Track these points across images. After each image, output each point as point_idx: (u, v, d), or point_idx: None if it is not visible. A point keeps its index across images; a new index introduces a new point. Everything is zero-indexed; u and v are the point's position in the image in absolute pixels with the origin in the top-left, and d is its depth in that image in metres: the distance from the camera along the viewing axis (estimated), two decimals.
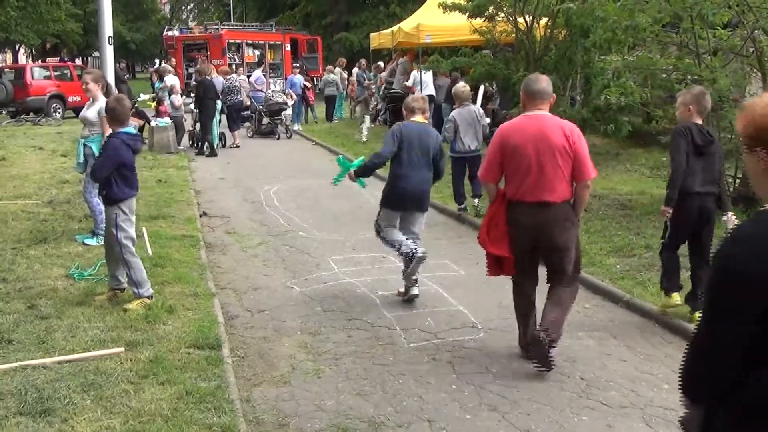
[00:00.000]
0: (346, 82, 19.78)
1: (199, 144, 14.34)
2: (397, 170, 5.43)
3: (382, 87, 17.35)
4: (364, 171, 5.62)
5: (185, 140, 14.79)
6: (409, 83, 15.28)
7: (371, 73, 18.25)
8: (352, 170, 5.64)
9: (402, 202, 5.47)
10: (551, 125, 4.22)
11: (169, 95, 14.29)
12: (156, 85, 17.47)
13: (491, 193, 4.36)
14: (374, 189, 9.93)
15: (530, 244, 4.25)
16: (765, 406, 1.53)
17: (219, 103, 14.09)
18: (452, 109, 14.32)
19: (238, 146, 14.93)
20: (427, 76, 14.65)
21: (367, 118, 15.67)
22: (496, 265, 4.43)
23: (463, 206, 8.44)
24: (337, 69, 20.20)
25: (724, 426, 1.59)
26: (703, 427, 1.66)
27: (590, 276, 5.94)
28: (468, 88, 8.79)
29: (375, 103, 17.83)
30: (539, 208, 4.13)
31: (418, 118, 5.50)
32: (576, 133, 4.23)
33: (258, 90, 17.33)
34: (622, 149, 12.70)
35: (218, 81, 14.20)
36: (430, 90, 14.70)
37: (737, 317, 1.54)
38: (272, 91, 17.60)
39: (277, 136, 16.43)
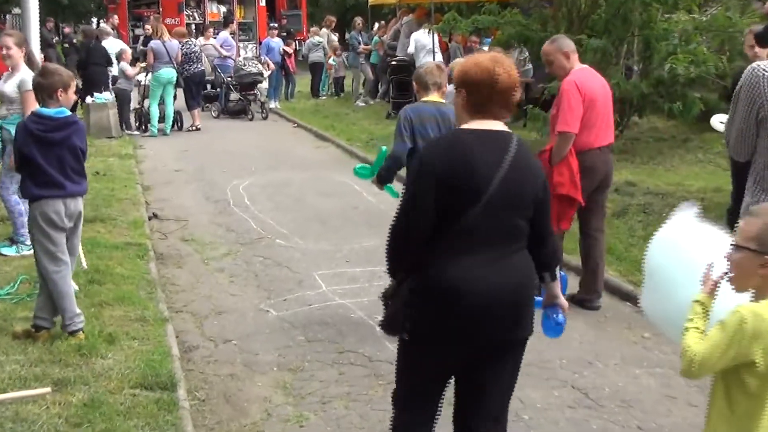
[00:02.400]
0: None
1: (147, 125, 14.40)
2: None
3: (382, 53, 17.41)
4: (385, 178, 5.59)
5: (131, 120, 14.85)
6: (410, 50, 15.35)
7: (375, 35, 18.32)
8: (374, 178, 5.65)
9: None
10: (601, 77, 6.05)
11: (118, 62, 14.34)
12: None
13: (568, 145, 5.65)
14: (372, 186, 9.97)
15: (594, 187, 5.85)
16: (427, 290, 2.88)
17: (172, 72, 14.13)
18: None
19: (198, 129, 14.97)
20: (424, 38, 14.65)
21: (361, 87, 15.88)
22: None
23: None
24: (324, 30, 20.25)
25: (407, 295, 2.94)
26: (392, 292, 3.04)
27: None
28: (509, 60, 8.96)
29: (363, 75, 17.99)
30: (608, 149, 5.92)
31: (433, 96, 5.38)
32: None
33: (225, 57, 17.37)
34: (692, 134, 12.71)
35: (172, 45, 14.25)
36: (438, 59, 14.74)
37: (421, 201, 2.83)
38: (244, 58, 17.63)
39: (249, 116, 16.48)
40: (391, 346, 5.18)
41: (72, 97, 5.06)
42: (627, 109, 11.78)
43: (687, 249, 2.75)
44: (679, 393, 4.61)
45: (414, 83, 5.57)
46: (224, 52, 17.42)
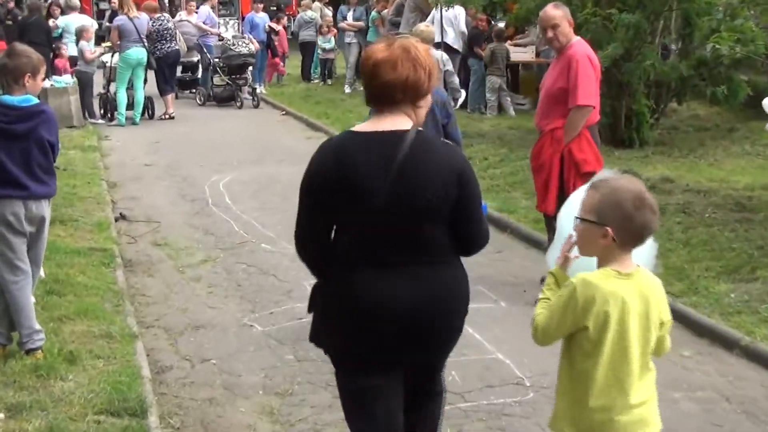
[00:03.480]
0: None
1: (113, 113, 14.40)
2: None
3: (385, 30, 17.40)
4: None
5: (95, 108, 14.85)
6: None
7: (373, 10, 18.31)
8: None
9: None
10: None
11: (77, 42, 14.34)
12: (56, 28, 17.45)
13: (583, 122, 6.13)
14: None
15: None
16: (330, 299, 3.14)
17: (142, 52, 14.12)
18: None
19: (172, 117, 14.98)
20: (449, 15, 14.70)
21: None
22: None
23: None
24: (317, 4, 20.26)
25: (318, 300, 3.21)
26: (311, 298, 3.29)
27: (690, 309, 5.95)
28: (431, 29, 9.26)
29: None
30: (597, 125, 6.43)
31: None
32: None
33: (208, 34, 17.35)
34: (738, 122, 12.73)
35: (141, 21, 14.25)
36: (451, 38, 14.77)
37: (310, 208, 3.11)
38: (233, 37, 17.58)
39: (238, 104, 16.48)
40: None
41: (40, 83, 5.06)
42: (664, 94, 11.79)
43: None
44: (724, 420, 4.61)
45: None
46: (208, 29, 17.40)
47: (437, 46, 15.12)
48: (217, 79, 16.83)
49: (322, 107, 15.74)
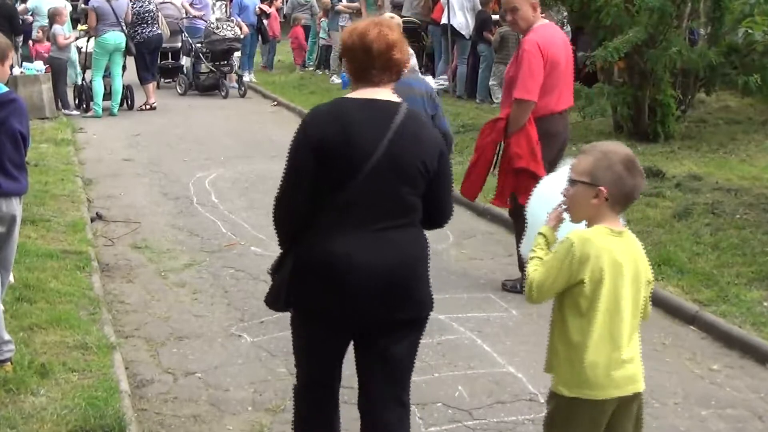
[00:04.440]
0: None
1: (89, 103, 14.41)
2: None
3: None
4: None
5: (70, 98, 14.86)
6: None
7: None
8: None
9: None
10: (564, 35, 6.81)
11: (50, 26, 14.35)
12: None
13: (527, 113, 6.30)
14: None
15: (554, 154, 6.38)
16: (307, 258, 3.51)
17: (120, 37, 14.12)
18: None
19: (153, 107, 15.01)
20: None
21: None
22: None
23: None
24: None
25: (289, 268, 3.55)
26: (278, 263, 3.64)
27: (720, 319, 5.96)
28: (398, 19, 9.54)
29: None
30: (565, 114, 6.63)
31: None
32: None
33: (195, 18, 17.35)
34: None
35: (120, 3, 14.24)
36: (460, 21, 14.78)
37: (300, 171, 3.44)
38: (217, 20, 17.59)
39: (223, 93, 16.49)
40: None
41: (8, 70, 5.06)
42: (691, 84, 11.80)
43: (556, 196, 3.44)
44: None
45: None
46: (193, 11, 17.38)
47: (443, 29, 15.22)
48: (203, 67, 16.82)
49: (316, 97, 15.72)
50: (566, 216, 3.34)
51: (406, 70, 5.95)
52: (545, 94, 6.34)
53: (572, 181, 3.27)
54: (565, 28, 14.56)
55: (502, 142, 6.50)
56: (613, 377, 3.21)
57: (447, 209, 3.73)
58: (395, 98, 3.59)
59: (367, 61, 3.55)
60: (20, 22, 15.32)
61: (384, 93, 3.58)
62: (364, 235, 3.48)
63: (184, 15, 17.28)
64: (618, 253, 3.19)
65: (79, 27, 15.89)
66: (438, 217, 3.72)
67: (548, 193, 3.68)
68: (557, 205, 3.36)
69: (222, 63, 16.60)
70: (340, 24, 18.28)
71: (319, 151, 3.42)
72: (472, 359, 5.54)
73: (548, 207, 3.46)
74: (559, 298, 3.26)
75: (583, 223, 3.29)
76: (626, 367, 3.23)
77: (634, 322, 3.28)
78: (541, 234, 3.36)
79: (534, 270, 3.26)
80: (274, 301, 3.72)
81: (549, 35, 6.44)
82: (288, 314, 6.20)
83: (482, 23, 14.90)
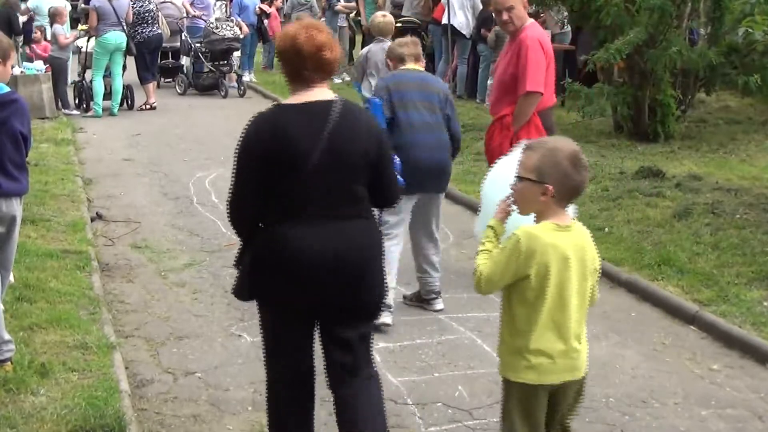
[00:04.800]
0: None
1: (89, 103, 14.41)
2: (399, 139, 5.83)
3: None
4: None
5: (70, 97, 14.86)
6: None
7: None
8: None
9: (418, 178, 5.80)
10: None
11: (51, 25, 14.35)
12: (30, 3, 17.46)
13: (533, 106, 6.44)
14: None
15: None
16: (263, 249, 3.77)
17: (121, 37, 14.13)
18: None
19: (153, 107, 14.99)
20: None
21: None
22: None
23: None
24: None
25: (248, 261, 3.82)
26: (237, 259, 3.91)
27: (720, 319, 5.95)
28: (390, 18, 9.65)
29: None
30: (552, 111, 6.81)
31: (410, 65, 6.24)
32: None
33: (197, 18, 17.34)
34: None
35: (121, 3, 14.24)
36: (461, 20, 14.77)
37: (247, 174, 3.73)
38: (216, 20, 17.58)
39: (223, 92, 16.49)
40: (394, 381, 5.20)
41: (9, 70, 5.06)
42: (691, 84, 11.80)
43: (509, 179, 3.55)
44: None
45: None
46: (194, 11, 17.37)
47: (444, 29, 15.22)
48: (203, 66, 16.80)
49: None
50: (514, 208, 3.46)
51: (422, 69, 6.31)
52: (544, 89, 6.57)
53: (519, 178, 3.36)
54: (565, 28, 14.59)
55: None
56: (557, 364, 3.37)
57: (393, 191, 4.02)
58: (330, 95, 3.82)
59: (299, 62, 3.77)
60: (20, 24, 15.34)
61: (318, 93, 3.81)
62: (315, 227, 3.73)
63: (184, 15, 17.26)
64: (564, 247, 3.32)
65: (80, 27, 15.87)
66: (385, 200, 4.02)
67: (501, 177, 3.82)
68: (505, 197, 3.47)
69: (221, 63, 16.60)
70: (339, 24, 18.30)
71: (263, 158, 3.70)
72: (472, 359, 5.54)
73: (501, 190, 3.59)
74: (507, 288, 3.41)
75: (532, 215, 3.42)
76: (569, 355, 3.39)
77: (581, 313, 3.42)
78: (490, 227, 3.49)
79: (482, 263, 3.40)
80: (240, 291, 3.98)
81: (543, 33, 6.72)
82: None
83: (483, 22, 14.90)
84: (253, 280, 3.86)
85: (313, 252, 3.70)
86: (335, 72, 3.90)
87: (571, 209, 3.47)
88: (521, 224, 3.39)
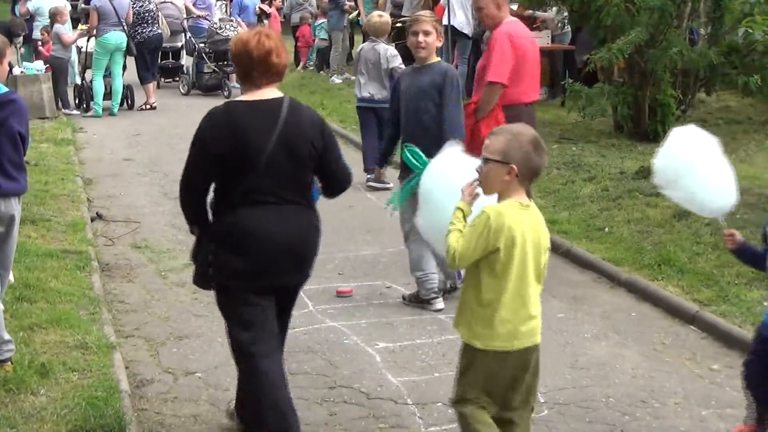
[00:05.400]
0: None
1: (89, 102, 14.41)
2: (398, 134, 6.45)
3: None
4: (385, 155, 6.98)
5: (70, 97, 14.85)
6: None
7: None
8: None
9: None
10: (528, 30, 7.40)
11: (52, 24, 14.34)
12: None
13: (495, 97, 6.60)
14: (371, 182, 10.00)
15: None
16: (224, 234, 4.15)
17: (121, 37, 14.12)
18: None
19: (153, 107, 14.99)
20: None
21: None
22: None
23: (371, 176, 9.73)
24: None
25: (207, 245, 4.19)
26: (195, 248, 4.28)
27: (720, 319, 5.96)
28: (386, 19, 9.67)
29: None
30: (533, 106, 6.97)
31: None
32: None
33: (200, 18, 17.33)
34: None
35: (121, 3, 14.24)
36: (461, 19, 14.76)
37: (199, 165, 4.13)
38: (220, 20, 17.58)
39: (226, 93, 16.47)
40: (394, 380, 5.21)
41: (6, 68, 5.05)
42: (691, 84, 11.79)
43: (453, 176, 3.99)
44: None
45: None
46: (197, 11, 17.36)
47: (444, 29, 15.19)
48: (205, 67, 16.82)
49: (317, 97, 15.74)
50: (480, 191, 3.77)
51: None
52: (513, 84, 6.65)
53: (486, 160, 3.70)
54: (565, 28, 14.57)
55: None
56: (520, 331, 3.72)
57: (343, 177, 4.41)
58: (279, 94, 4.23)
59: (250, 65, 4.16)
60: (21, 29, 15.34)
61: (267, 92, 4.20)
62: (268, 213, 4.15)
63: (184, 15, 17.26)
64: (526, 224, 3.68)
65: (80, 27, 15.87)
66: (337, 186, 4.42)
67: (439, 172, 4.29)
68: (470, 181, 3.77)
69: (225, 63, 16.59)
70: (343, 24, 18.28)
71: (215, 152, 4.10)
72: None
73: (439, 184, 4.12)
74: (476, 262, 3.71)
75: (495, 197, 3.74)
76: (530, 322, 3.75)
77: (537, 284, 3.78)
78: (459, 208, 3.78)
79: (455, 241, 3.70)
80: (201, 280, 4.33)
81: (518, 29, 6.95)
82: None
83: None
84: (215, 264, 4.20)
85: (269, 236, 4.12)
86: (283, 74, 4.27)
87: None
88: (484, 205, 3.74)
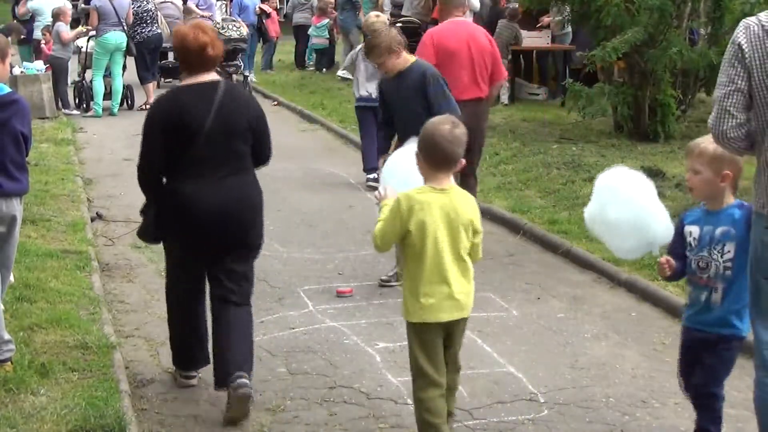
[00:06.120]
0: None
1: (89, 102, 14.40)
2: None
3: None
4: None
5: (70, 97, 14.85)
6: None
7: None
8: None
9: None
10: (476, 30, 7.80)
11: (54, 22, 14.34)
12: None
13: None
14: (371, 182, 9.99)
15: None
16: (168, 202, 4.84)
17: (121, 37, 14.12)
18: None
19: None
20: None
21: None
22: None
23: (373, 176, 9.35)
24: None
25: (154, 212, 4.93)
26: (145, 207, 5.00)
27: None
28: (383, 19, 9.78)
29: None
30: (474, 103, 7.20)
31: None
32: (491, 38, 7.83)
33: (203, 18, 17.33)
34: None
35: (121, 3, 14.25)
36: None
37: (153, 144, 4.82)
38: (223, 20, 17.58)
39: None
40: (394, 380, 5.21)
41: (8, 68, 5.05)
42: (691, 84, 11.80)
43: (406, 168, 4.43)
44: None
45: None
46: (200, 12, 17.37)
47: None
48: None
49: (317, 97, 15.76)
50: (412, 180, 4.26)
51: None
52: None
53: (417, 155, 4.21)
54: (566, 28, 14.58)
55: None
56: (442, 306, 4.11)
57: (267, 153, 5.07)
58: (216, 78, 4.87)
59: (188, 56, 4.84)
60: (18, 33, 15.37)
61: (205, 76, 4.84)
62: (208, 182, 4.74)
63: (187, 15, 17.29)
64: (438, 205, 4.07)
65: (81, 27, 15.88)
66: (262, 158, 5.06)
67: (395, 166, 4.89)
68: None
69: (228, 63, 16.58)
70: (358, 24, 18.28)
71: (166, 130, 4.73)
72: (472, 359, 5.54)
73: (395, 177, 4.63)
74: (402, 246, 4.20)
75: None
76: (453, 297, 4.12)
77: (462, 263, 4.16)
78: (386, 204, 4.23)
79: (377, 226, 4.17)
80: (144, 235, 5.09)
81: (447, 29, 7.47)
82: (287, 313, 6.27)
83: (496, 17, 14.91)
84: (159, 224, 4.92)
85: (208, 203, 4.71)
86: (217, 63, 4.89)
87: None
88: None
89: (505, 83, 14.59)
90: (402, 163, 4.71)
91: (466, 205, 4.17)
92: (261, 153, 4.99)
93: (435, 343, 4.15)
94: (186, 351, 5.16)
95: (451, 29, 7.40)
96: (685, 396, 4.44)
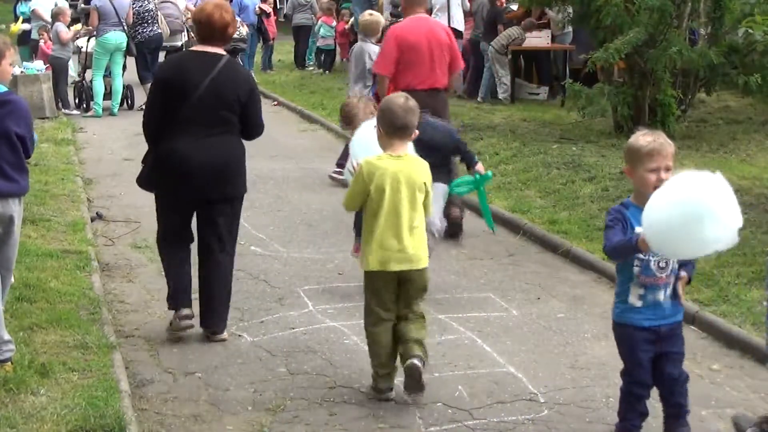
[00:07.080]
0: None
1: (89, 102, 14.40)
2: None
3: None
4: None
5: (70, 97, 14.84)
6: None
7: None
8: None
9: None
10: (435, 25, 8.57)
11: (53, 22, 14.34)
12: (22, 7, 17.49)
13: (384, 86, 7.93)
14: None
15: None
16: (161, 153, 5.65)
17: (121, 37, 14.12)
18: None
19: None
20: None
21: None
22: None
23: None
24: None
25: (150, 163, 5.78)
26: (146, 155, 5.86)
27: (720, 319, 5.96)
28: (377, 17, 9.79)
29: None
30: (432, 93, 7.78)
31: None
32: (450, 32, 8.50)
33: None
34: None
35: (122, 2, 14.24)
36: (459, 18, 14.76)
37: (154, 100, 5.71)
38: None
39: None
40: (395, 380, 5.19)
41: (8, 69, 5.05)
42: (691, 84, 11.79)
43: (369, 140, 5.12)
44: None
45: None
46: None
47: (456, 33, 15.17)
48: None
49: (317, 97, 15.75)
50: (375, 150, 4.90)
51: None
52: (403, 71, 7.84)
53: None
54: (566, 28, 14.58)
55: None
56: (394, 257, 4.76)
57: (257, 127, 5.81)
58: (221, 51, 5.56)
59: (211, 32, 5.52)
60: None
61: (213, 49, 5.53)
62: (196, 140, 5.46)
63: (184, 15, 17.24)
64: (395, 170, 4.74)
65: (81, 27, 15.87)
66: (251, 132, 5.78)
67: (361, 139, 5.58)
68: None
69: None
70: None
71: (165, 88, 5.52)
72: (472, 359, 5.55)
73: (363, 148, 5.24)
74: (364, 205, 4.85)
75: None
76: (404, 251, 4.77)
77: (414, 219, 4.78)
78: (352, 173, 4.94)
79: (346, 191, 4.97)
80: (143, 183, 5.81)
81: (408, 24, 8.08)
82: (288, 313, 6.27)
83: (496, 16, 14.92)
84: (153, 175, 5.63)
85: (195, 158, 5.43)
86: (228, 42, 5.63)
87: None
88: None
89: (505, 83, 14.70)
90: (367, 136, 5.30)
91: (419, 169, 4.85)
92: (247, 124, 5.65)
93: (386, 289, 4.84)
94: (173, 291, 5.81)
95: (413, 25, 8.03)
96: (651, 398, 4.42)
